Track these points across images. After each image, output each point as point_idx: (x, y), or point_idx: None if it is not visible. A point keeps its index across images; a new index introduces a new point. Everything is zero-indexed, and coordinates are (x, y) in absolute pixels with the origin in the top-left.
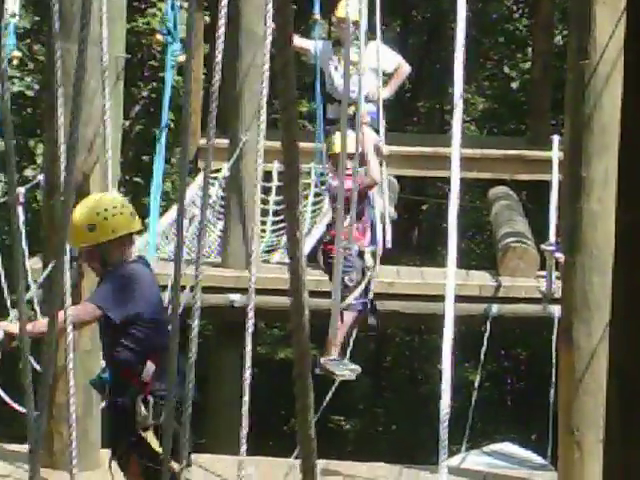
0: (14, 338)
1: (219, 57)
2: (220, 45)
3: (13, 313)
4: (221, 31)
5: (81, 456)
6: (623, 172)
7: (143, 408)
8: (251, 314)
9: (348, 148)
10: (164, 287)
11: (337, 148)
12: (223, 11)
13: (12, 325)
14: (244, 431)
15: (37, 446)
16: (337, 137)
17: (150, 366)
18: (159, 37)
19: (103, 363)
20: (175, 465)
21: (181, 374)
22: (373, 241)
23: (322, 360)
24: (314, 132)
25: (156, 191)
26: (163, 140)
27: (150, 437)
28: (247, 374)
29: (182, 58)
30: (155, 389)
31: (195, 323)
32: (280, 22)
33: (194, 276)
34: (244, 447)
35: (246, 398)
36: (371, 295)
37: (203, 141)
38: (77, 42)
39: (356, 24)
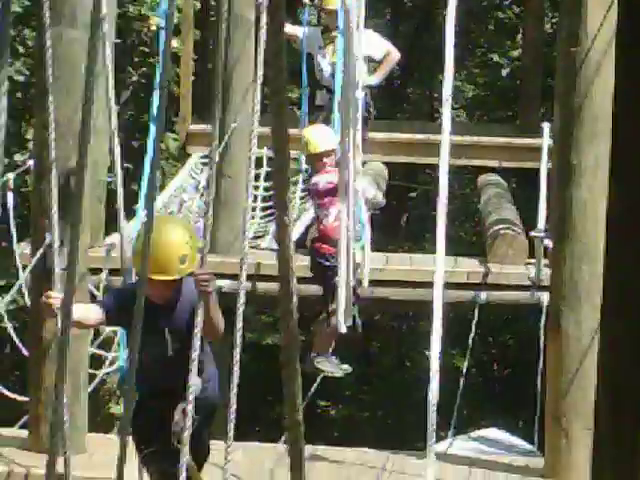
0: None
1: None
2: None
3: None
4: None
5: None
6: (616, 159)
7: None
8: (242, 298)
9: (327, 145)
10: None
11: (313, 149)
12: None
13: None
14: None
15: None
16: (310, 136)
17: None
18: (156, 19)
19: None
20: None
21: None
22: (360, 236)
23: (311, 356)
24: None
25: (146, 179)
26: (153, 129)
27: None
28: (236, 358)
29: (174, 43)
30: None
31: None
32: (272, 9)
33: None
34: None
35: (235, 382)
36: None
37: (193, 127)
38: (68, 27)
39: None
